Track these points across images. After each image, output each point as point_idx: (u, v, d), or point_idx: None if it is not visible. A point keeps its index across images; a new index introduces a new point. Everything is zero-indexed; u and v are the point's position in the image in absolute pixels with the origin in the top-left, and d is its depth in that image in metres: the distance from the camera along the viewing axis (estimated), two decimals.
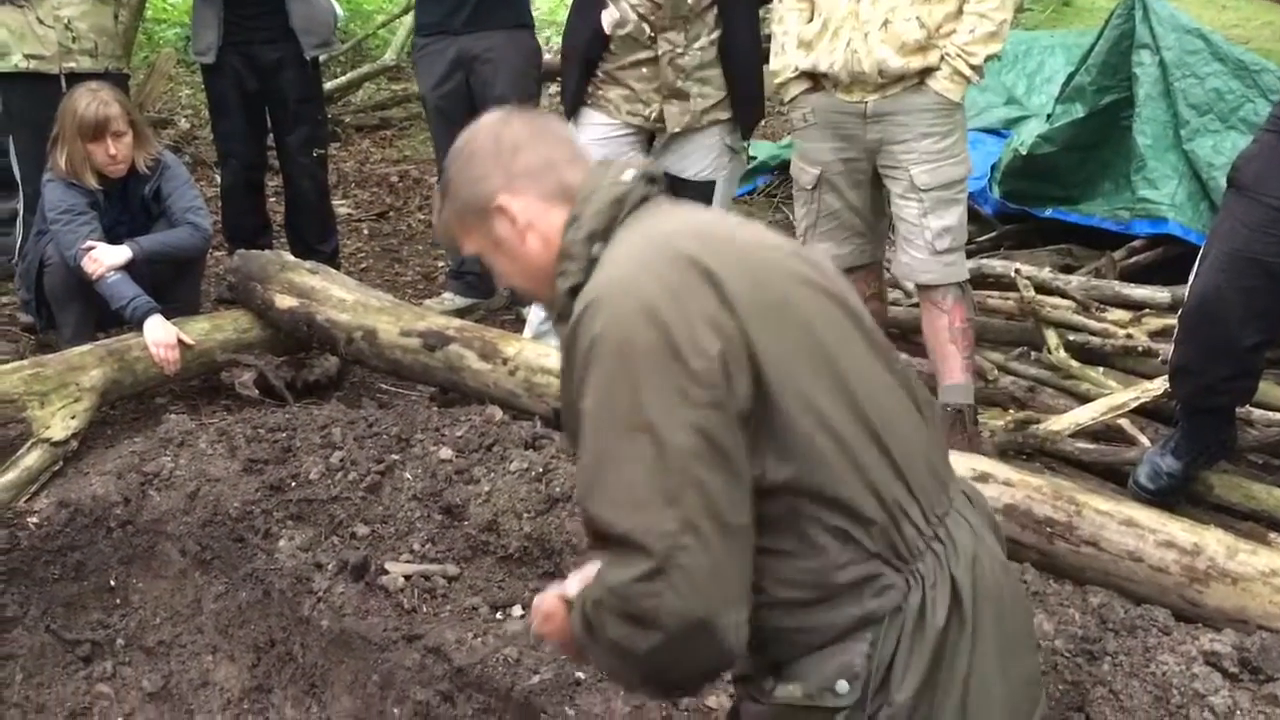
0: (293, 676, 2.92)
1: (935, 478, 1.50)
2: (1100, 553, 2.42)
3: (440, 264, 5.42)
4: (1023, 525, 2.51)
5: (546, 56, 6.75)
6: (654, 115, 3.66)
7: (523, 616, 2.72)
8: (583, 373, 1.36)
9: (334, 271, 4.16)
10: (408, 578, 2.87)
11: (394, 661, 2.69)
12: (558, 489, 2.88)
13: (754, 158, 6.16)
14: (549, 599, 1.58)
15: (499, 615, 2.78)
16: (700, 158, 3.74)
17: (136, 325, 3.75)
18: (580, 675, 2.54)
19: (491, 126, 1.65)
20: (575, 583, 1.54)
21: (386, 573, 2.88)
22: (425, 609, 2.80)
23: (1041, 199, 5.03)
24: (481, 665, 2.60)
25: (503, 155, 1.60)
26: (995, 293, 4.27)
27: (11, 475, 3.30)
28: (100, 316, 3.99)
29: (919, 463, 1.47)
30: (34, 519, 3.17)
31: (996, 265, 4.42)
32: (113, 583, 3.18)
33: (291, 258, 4.17)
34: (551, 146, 1.62)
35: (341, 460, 3.18)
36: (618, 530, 1.30)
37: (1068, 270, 4.60)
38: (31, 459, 3.35)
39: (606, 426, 1.33)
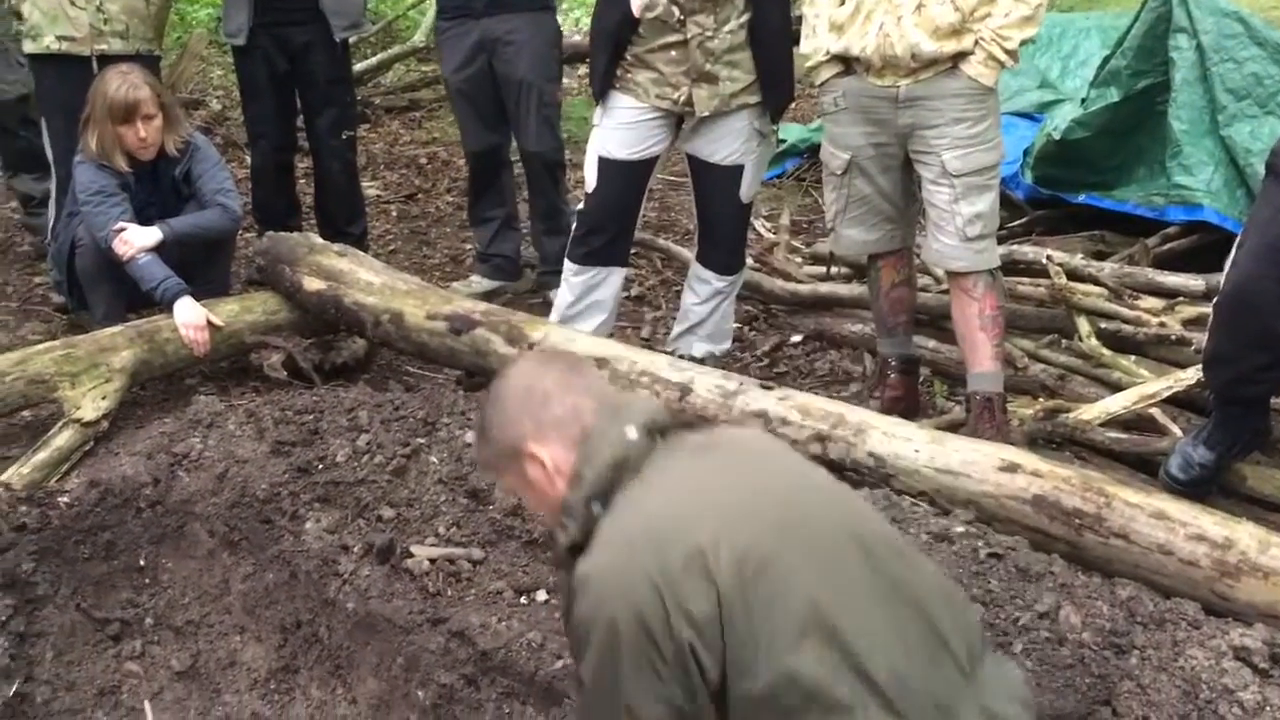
0: (319, 658, 2.93)
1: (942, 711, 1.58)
2: (1130, 545, 2.39)
3: (468, 246, 5.42)
4: (1051, 516, 2.49)
5: (575, 39, 6.76)
6: (683, 99, 3.64)
7: (546, 601, 2.72)
8: (577, 644, 1.65)
9: (362, 254, 4.16)
10: (433, 561, 2.88)
11: (418, 644, 2.70)
12: None
13: (783, 141, 6.12)
14: None
15: (523, 599, 2.79)
16: (729, 142, 3.71)
17: (167, 307, 3.78)
18: None
19: (524, 375, 1.82)
20: None
21: (412, 556, 2.89)
22: (450, 592, 2.81)
23: (1075, 184, 4.97)
24: (505, 649, 2.60)
25: (533, 404, 1.77)
26: (1026, 279, 4.22)
27: (43, 455, 3.33)
28: (131, 298, 4.01)
29: (922, 702, 1.56)
30: (65, 498, 3.19)
31: (1028, 251, 4.37)
32: (142, 562, 3.21)
33: (320, 240, 4.18)
34: (578, 396, 1.77)
35: (368, 443, 3.19)
36: None
37: (1100, 257, 4.54)
38: (63, 439, 3.38)
39: (595, 701, 1.64)
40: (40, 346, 3.66)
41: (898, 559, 1.67)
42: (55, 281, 4.47)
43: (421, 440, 3.18)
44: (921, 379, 3.89)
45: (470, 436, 1.78)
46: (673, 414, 1.84)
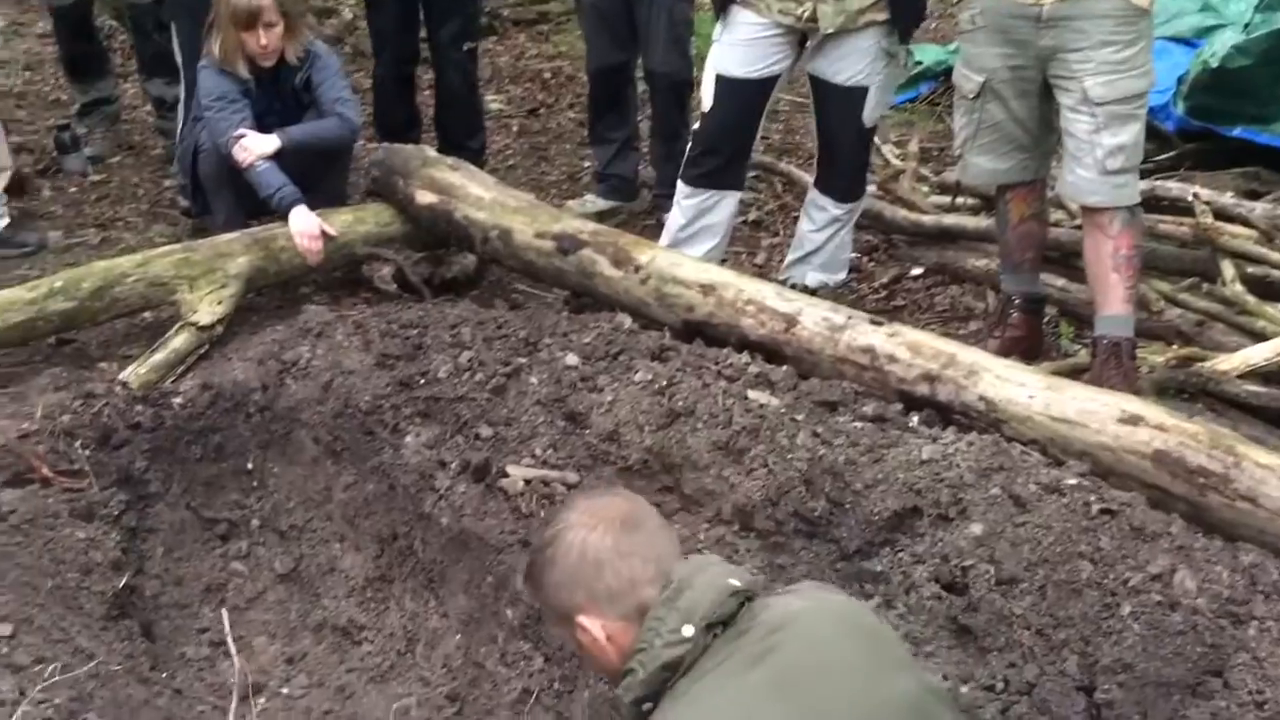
0: (413, 570, 2.97)
1: None
2: (1257, 509, 2.23)
3: (586, 164, 5.35)
4: (1173, 474, 2.34)
5: None
6: (806, 14, 3.47)
7: None
8: None
9: (474, 168, 4.13)
10: (528, 482, 2.87)
11: (509, 564, 2.70)
12: (680, 404, 2.81)
13: (918, 63, 5.83)
14: None
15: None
16: (854, 61, 3.54)
17: (283, 215, 3.81)
18: None
19: (578, 536, 1.68)
20: None
21: (507, 476, 2.88)
22: (543, 514, 2.79)
23: (1231, 117, 4.63)
24: None
25: (585, 571, 1.67)
26: (1169, 217, 3.95)
27: (160, 356, 3.41)
28: (251, 204, 4.06)
29: None
30: (178, 400, 3.28)
31: (1173, 188, 4.09)
32: (250, 466, 3.28)
33: (433, 153, 4.16)
34: (634, 565, 1.66)
35: (470, 360, 3.17)
36: None
37: (1253, 196, 4.22)
38: (179, 341, 3.46)
39: None
40: (161, 249, 3.74)
41: None
42: (180, 185, 4.56)
43: (523, 360, 3.15)
44: (1047, 319, 3.70)
45: (530, 555, 1.67)
46: (737, 595, 1.65)
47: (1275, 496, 2.21)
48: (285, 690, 2.92)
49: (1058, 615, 2.21)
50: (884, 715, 1.58)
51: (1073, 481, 2.38)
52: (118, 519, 2.99)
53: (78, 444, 3.02)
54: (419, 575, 2.96)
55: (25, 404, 3.16)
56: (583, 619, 1.67)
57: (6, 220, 4.41)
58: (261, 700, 2.90)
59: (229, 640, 1.84)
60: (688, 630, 1.58)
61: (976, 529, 2.35)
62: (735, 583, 1.65)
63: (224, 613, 2.17)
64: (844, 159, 3.75)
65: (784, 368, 2.97)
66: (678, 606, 1.61)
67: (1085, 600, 2.18)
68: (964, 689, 2.20)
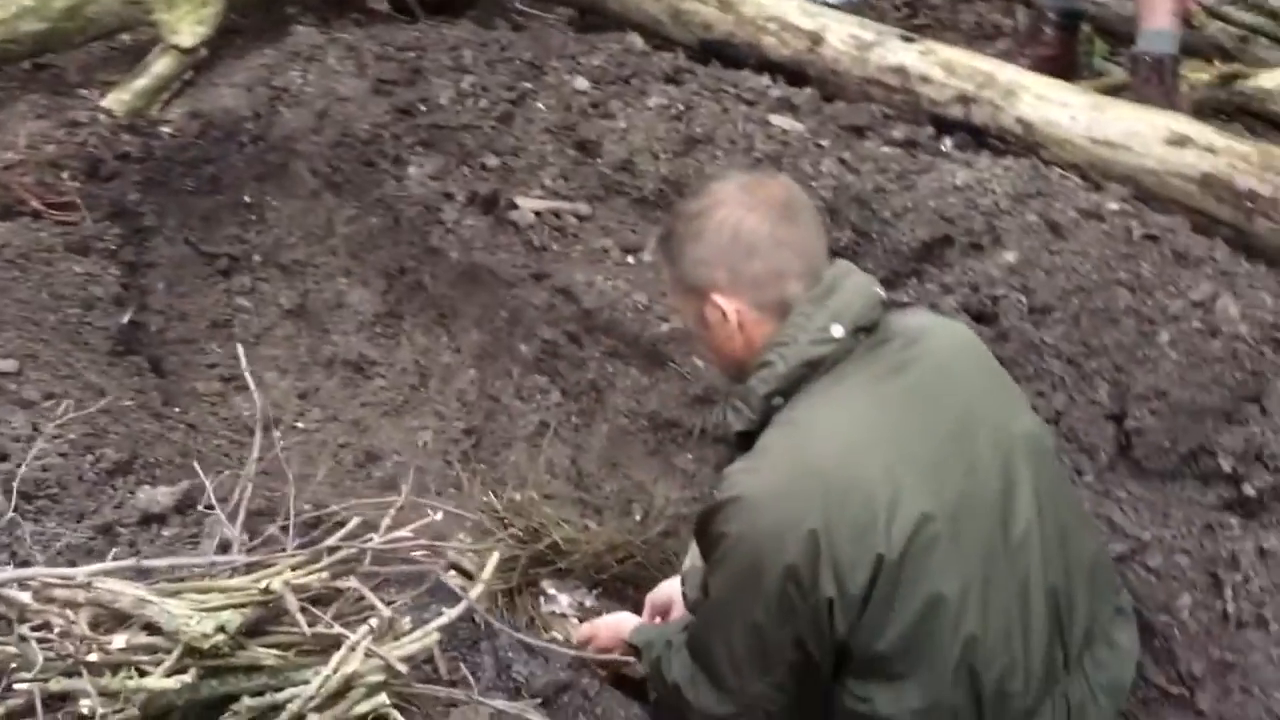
0: (422, 305, 2.90)
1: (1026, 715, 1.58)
2: None
3: None
4: (1220, 198, 2.23)
5: None
6: None
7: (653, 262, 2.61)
8: (713, 549, 1.57)
9: None
10: (538, 214, 2.76)
11: (522, 299, 2.64)
12: (698, 129, 2.66)
13: None
14: (606, 631, 1.99)
15: (630, 259, 2.67)
16: None
17: None
18: None
19: (732, 214, 1.59)
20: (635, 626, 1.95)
21: (516, 207, 2.77)
22: (555, 247, 2.71)
23: None
24: (610, 309, 2.52)
25: (735, 252, 1.58)
26: None
27: (143, 81, 3.21)
28: None
29: (1012, 712, 1.56)
30: (167, 129, 3.11)
31: None
32: (248, 198, 3.15)
33: None
34: (786, 257, 1.58)
35: (472, 85, 2.99)
36: (720, 677, 1.62)
37: None
38: (161, 65, 3.24)
39: (721, 613, 1.59)
40: None
41: (1057, 532, 1.58)
42: None
43: (528, 85, 2.97)
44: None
45: (650, 241, 1.57)
46: (881, 305, 1.62)
47: None
48: (300, 424, 2.90)
49: (1091, 344, 2.15)
50: (1012, 443, 1.57)
51: (1114, 207, 2.27)
52: (115, 253, 2.89)
53: (65, 175, 2.88)
54: (429, 310, 2.89)
55: (6, 133, 3.00)
56: (719, 298, 1.59)
57: None
58: (277, 434, 2.89)
59: (246, 373, 1.77)
60: (836, 330, 1.54)
61: (1010, 257, 2.27)
62: (880, 291, 1.62)
63: (239, 346, 2.10)
64: None
65: (808, 90, 2.80)
66: (828, 306, 1.56)
67: (1121, 328, 2.13)
68: None
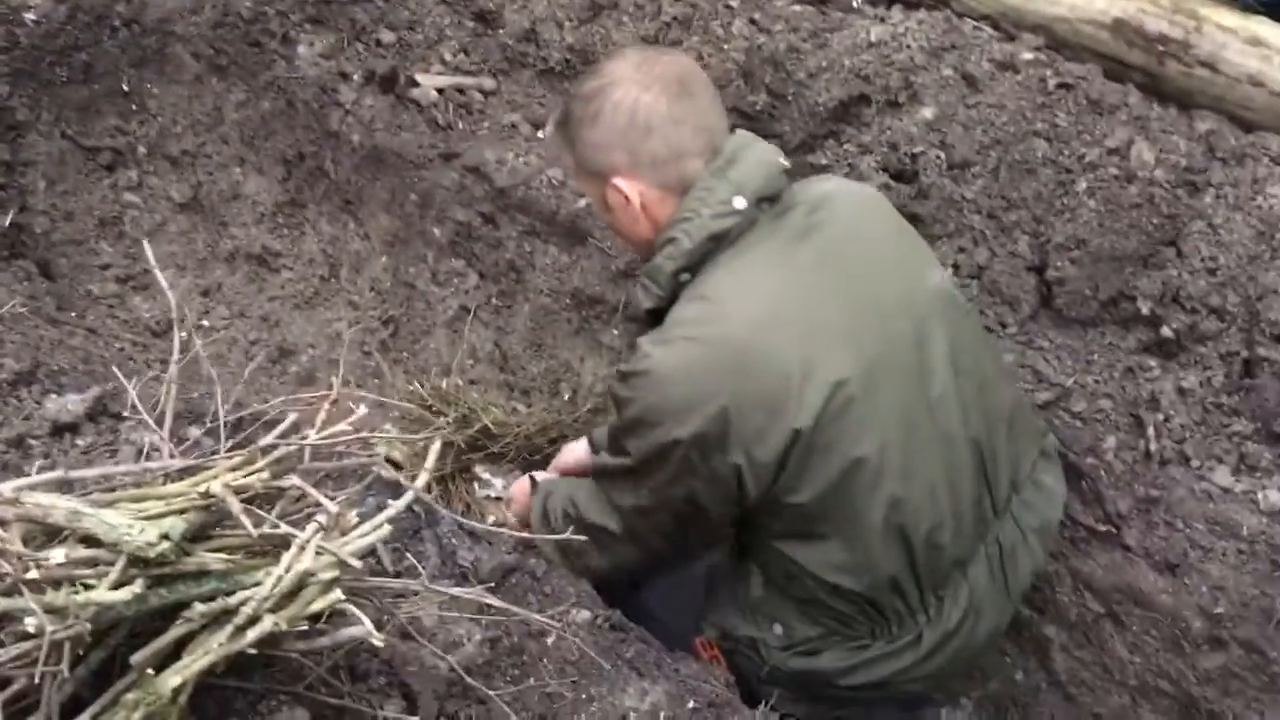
0: (326, 192, 2.79)
1: (957, 567, 1.65)
2: (1216, 76, 2.15)
3: None
4: (1130, 43, 2.22)
5: None
6: None
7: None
8: (626, 416, 1.56)
9: None
10: (440, 91, 2.65)
11: (432, 180, 2.54)
12: None
13: None
14: (524, 479, 2.00)
15: (540, 134, 2.59)
16: None
17: None
18: None
19: (629, 89, 1.56)
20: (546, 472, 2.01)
21: (417, 85, 2.65)
22: (461, 125, 2.61)
23: None
24: (524, 187, 2.45)
25: (632, 134, 1.55)
26: None
27: None
28: None
29: (943, 563, 1.61)
30: (31, 15, 2.88)
31: None
32: (126, 87, 2.96)
33: None
34: (684, 134, 1.55)
35: None
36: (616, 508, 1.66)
37: None
38: None
39: (625, 473, 1.62)
40: None
41: (976, 385, 1.60)
42: None
43: None
44: None
45: (548, 126, 1.53)
46: (783, 175, 1.59)
47: (1235, 62, 2.13)
48: (206, 323, 2.80)
49: (1010, 197, 2.16)
50: (923, 301, 1.58)
51: (1028, 56, 2.26)
52: None
53: None
54: (334, 198, 2.78)
55: None
56: (619, 181, 1.58)
57: None
58: (181, 335, 2.78)
59: (155, 270, 1.68)
60: (739, 202, 1.53)
61: (927, 113, 2.25)
62: (783, 161, 1.59)
63: (145, 243, 1.99)
64: None
65: None
66: (729, 178, 1.54)
67: (1039, 179, 2.13)
68: None
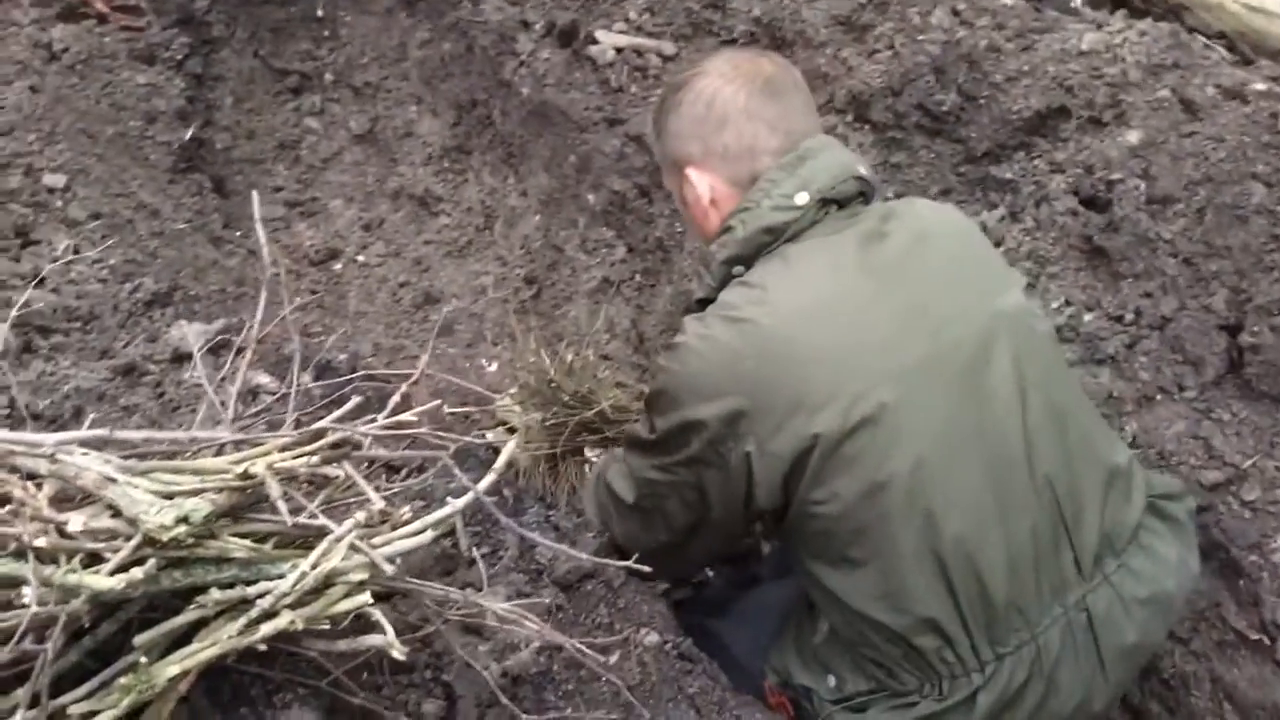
0: (491, 142, 2.75)
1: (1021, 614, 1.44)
2: None
3: None
4: None
5: None
6: None
7: None
8: (652, 389, 1.52)
9: None
10: (619, 50, 2.55)
11: (593, 144, 2.46)
12: None
13: None
14: None
15: None
16: None
17: None
18: None
19: (710, 87, 1.54)
20: None
21: (596, 42, 2.57)
22: (634, 89, 2.51)
23: None
24: None
25: (708, 125, 1.53)
26: None
27: None
28: None
29: (1000, 614, 1.42)
30: None
31: None
32: (320, 13, 3.00)
33: None
34: (759, 131, 1.51)
35: None
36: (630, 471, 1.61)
37: None
38: None
39: (644, 449, 1.56)
40: None
41: (1053, 420, 1.43)
42: None
43: None
44: None
45: (661, 95, 1.49)
46: (857, 181, 1.50)
47: None
48: (362, 258, 2.82)
49: (1213, 243, 1.91)
50: (990, 321, 1.44)
51: (1261, 87, 1.98)
52: (181, 64, 2.77)
53: None
54: (498, 148, 2.74)
55: None
56: (692, 172, 1.55)
57: None
58: (338, 266, 2.81)
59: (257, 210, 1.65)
60: (801, 198, 1.46)
61: (1133, 137, 2.02)
62: (861, 170, 1.52)
63: (254, 195, 1.98)
64: None
65: None
66: (797, 174, 1.48)
67: (1250, 229, 1.88)
68: (1087, 317, 1.98)
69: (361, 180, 2.95)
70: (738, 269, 1.49)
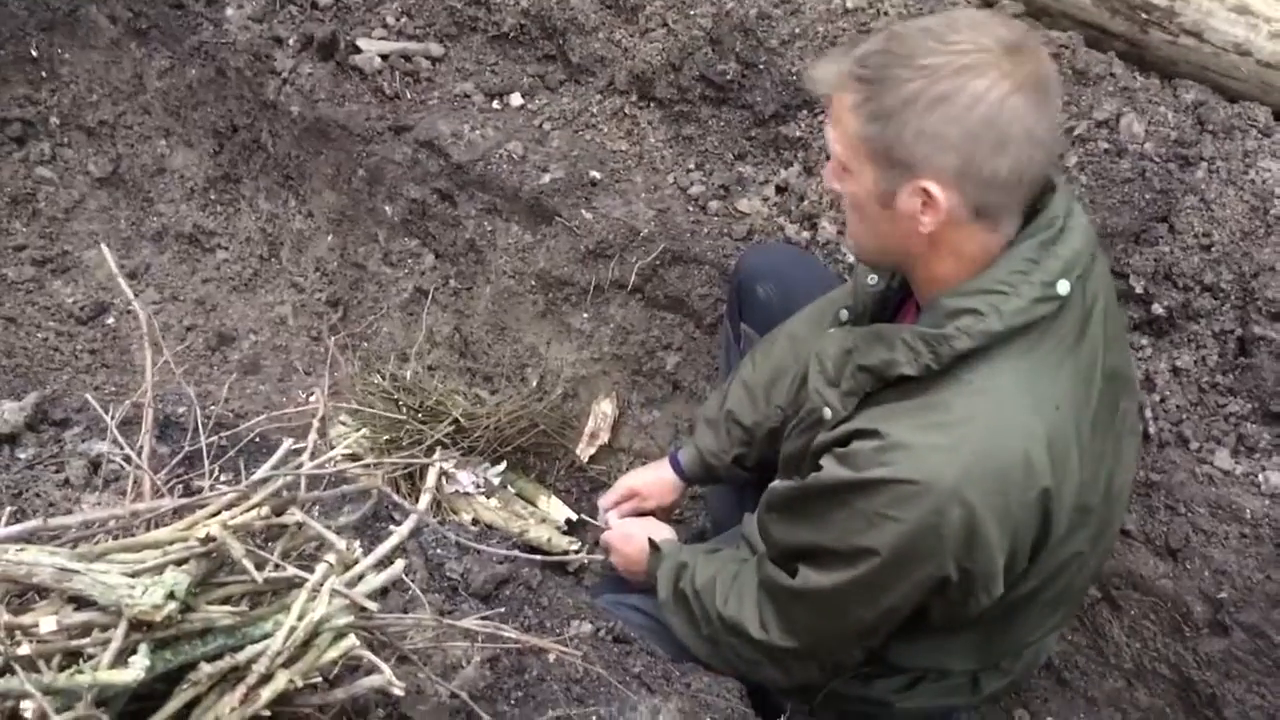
0: (264, 167, 2.61)
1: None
2: (1201, 44, 2.10)
3: None
4: (1113, 10, 2.16)
5: None
6: None
7: (522, 107, 2.40)
8: (864, 497, 1.28)
9: None
10: (385, 57, 2.48)
11: (381, 155, 2.39)
12: None
13: None
14: (636, 533, 1.79)
15: (495, 104, 2.45)
16: None
17: None
18: (596, 175, 2.27)
19: (995, 87, 1.17)
20: (662, 533, 1.78)
21: (359, 51, 2.49)
22: (410, 95, 2.45)
23: None
24: (483, 162, 2.31)
25: (982, 145, 1.19)
26: None
27: None
28: None
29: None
30: None
31: None
32: (34, 52, 2.74)
33: None
34: (1037, 158, 1.21)
35: None
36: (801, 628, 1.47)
37: None
38: None
39: (827, 569, 1.37)
40: None
41: (1127, 472, 1.47)
42: None
43: None
44: None
45: (836, 61, 1.16)
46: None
47: (1222, 30, 2.08)
48: (135, 307, 2.61)
49: None
50: (1130, 404, 1.45)
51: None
52: None
53: None
54: (271, 172, 2.60)
55: None
56: (932, 186, 1.21)
57: None
58: (110, 320, 2.61)
59: (120, 279, 1.52)
60: (1063, 287, 1.24)
61: None
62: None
63: (104, 247, 1.81)
64: None
65: None
66: (1058, 254, 1.25)
67: None
68: None
69: (114, 226, 2.73)
70: (964, 361, 1.26)
